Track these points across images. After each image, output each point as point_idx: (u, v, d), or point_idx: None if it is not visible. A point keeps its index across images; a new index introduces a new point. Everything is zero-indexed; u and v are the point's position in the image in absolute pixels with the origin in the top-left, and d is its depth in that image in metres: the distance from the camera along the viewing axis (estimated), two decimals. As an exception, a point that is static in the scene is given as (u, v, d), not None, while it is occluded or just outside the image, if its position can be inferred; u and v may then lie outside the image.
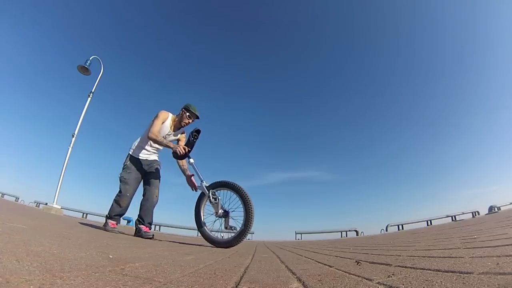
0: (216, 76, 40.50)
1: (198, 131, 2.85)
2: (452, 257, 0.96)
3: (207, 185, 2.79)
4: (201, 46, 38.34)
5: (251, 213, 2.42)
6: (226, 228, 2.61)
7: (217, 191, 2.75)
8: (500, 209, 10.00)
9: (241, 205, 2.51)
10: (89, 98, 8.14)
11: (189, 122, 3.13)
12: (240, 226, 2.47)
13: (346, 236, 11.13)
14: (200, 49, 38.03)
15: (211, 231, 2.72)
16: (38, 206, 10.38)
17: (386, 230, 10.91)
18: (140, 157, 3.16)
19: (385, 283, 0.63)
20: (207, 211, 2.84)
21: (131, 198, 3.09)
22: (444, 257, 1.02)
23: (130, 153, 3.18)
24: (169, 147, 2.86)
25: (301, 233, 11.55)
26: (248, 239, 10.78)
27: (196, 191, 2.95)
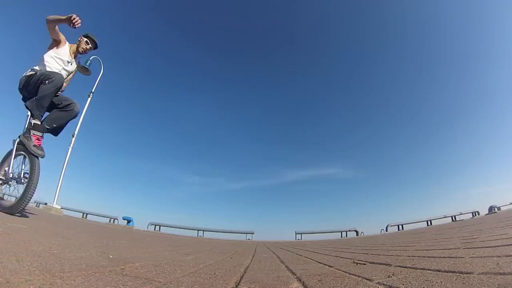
0: (227, 71, 40.51)
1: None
2: (452, 257, 0.96)
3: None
4: (202, 46, 38.41)
5: (35, 179, 2.08)
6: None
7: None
8: (500, 209, 10.00)
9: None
10: (89, 98, 8.15)
11: (86, 48, 2.88)
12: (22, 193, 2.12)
13: (346, 236, 11.13)
14: (201, 49, 38.09)
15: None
16: (38, 206, 10.37)
17: (386, 230, 10.91)
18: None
19: (385, 283, 0.63)
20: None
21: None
22: (444, 257, 1.02)
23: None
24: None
25: (301, 233, 11.54)
26: (248, 239, 10.77)
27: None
